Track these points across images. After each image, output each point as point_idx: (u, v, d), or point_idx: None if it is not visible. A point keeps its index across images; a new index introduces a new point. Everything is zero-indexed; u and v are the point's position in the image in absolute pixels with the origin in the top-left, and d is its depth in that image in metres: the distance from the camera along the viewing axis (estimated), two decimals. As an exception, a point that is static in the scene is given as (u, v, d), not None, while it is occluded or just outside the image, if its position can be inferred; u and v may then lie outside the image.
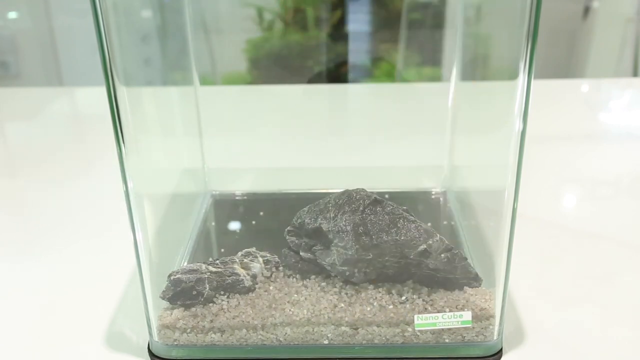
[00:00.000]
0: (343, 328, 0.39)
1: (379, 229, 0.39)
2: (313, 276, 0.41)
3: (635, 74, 1.76)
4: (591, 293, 0.48)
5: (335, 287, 0.40)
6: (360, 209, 0.39)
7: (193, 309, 0.40)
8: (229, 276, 0.40)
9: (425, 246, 0.38)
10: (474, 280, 0.41)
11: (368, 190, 0.41)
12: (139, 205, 0.38)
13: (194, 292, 0.40)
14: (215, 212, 0.57)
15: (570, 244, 0.55)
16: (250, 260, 0.42)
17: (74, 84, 1.62)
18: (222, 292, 0.40)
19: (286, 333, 0.40)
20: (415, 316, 0.39)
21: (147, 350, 0.42)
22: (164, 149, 0.50)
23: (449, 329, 0.39)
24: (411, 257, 0.39)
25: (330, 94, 0.88)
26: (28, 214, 0.64)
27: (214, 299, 0.40)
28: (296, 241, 0.41)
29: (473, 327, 0.39)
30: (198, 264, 0.41)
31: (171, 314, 0.40)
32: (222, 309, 0.40)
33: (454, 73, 0.55)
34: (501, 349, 0.41)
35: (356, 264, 0.39)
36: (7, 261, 0.54)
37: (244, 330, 0.40)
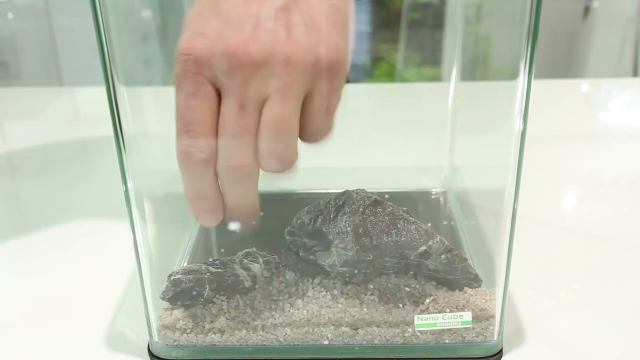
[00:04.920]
0: (343, 328, 0.39)
1: (379, 230, 0.39)
2: (313, 277, 0.41)
3: (635, 74, 1.77)
4: (591, 293, 0.48)
5: (336, 287, 0.40)
6: (361, 209, 0.39)
7: (193, 310, 0.40)
8: (229, 277, 0.40)
9: (425, 247, 0.38)
10: (474, 280, 0.41)
11: (368, 191, 0.41)
12: (139, 205, 0.38)
13: (194, 293, 0.40)
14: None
15: (570, 244, 0.55)
16: (251, 261, 0.42)
17: (74, 84, 1.62)
18: (222, 293, 0.40)
19: (286, 333, 0.40)
20: (416, 316, 0.39)
21: (147, 350, 0.42)
22: (164, 149, 0.50)
23: (449, 330, 0.39)
24: (411, 258, 0.39)
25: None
26: (28, 213, 0.63)
27: (214, 300, 0.40)
28: (296, 242, 0.41)
29: (473, 328, 0.39)
30: (198, 264, 0.41)
31: (171, 314, 0.40)
32: (222, 309, 0.40)
33: (454, 73, 0.55)
34: (501, 349, 0.41)
35: (356, 264, 0.39)
36: (7, 261, 0.54)
37: (244, 331, 0.39)
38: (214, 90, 0.33)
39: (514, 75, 0.35)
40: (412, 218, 0.40)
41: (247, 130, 0.33)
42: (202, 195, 0.36)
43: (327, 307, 0.40)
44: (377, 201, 0.40)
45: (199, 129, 0.33)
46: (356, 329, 0.39)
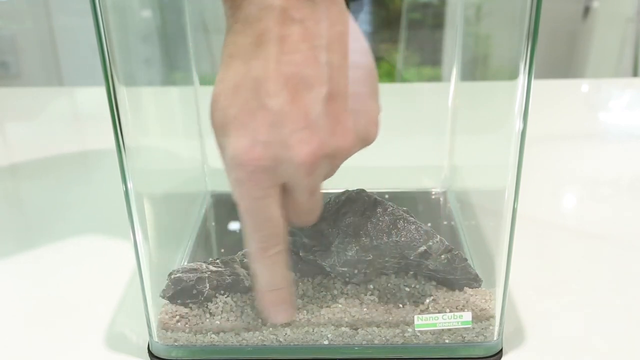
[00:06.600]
0: (343, 328, 0.39)
1: (379, 230, 0.39)
2: (313, 277, 0.41)
3: (635, 74, 1.77)
4: (591, 293, 0.48)
5: (336, 287, 0.40)
6: (361, 210, 0.39)
7: (193, 309, 0.40)
8: (229, 276, 0.40)
9: (425, 247, 0.38)
10: (474, 280, 0.41)
11: (368, 191, 0.41)
12: (139, 205, 0.38)
13: (194, 291, 0.40)
14: (215, 212, 0.57)
15: (570, 244, 0.55)
16: (250, 261, 0.42)
17: (74, 84, 1.62)
18: (222, 292, 0.40)
19: (286, 333, 0.40)
20: (416, 317, 0.39)
21: (147, 350, 0.42)
22: (163, 149, 0.50)
23: (449, 330, 0.39)
24: (411, 258, 0.39)
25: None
26: (28, 213, 0.64)
27: (214, 299, 0.40)
28: (296, 242, 0.41)
29: (473, 328, 0.39)
30: (198, 263, 0.41)
31: (171, 314, 0.40)
32: (222, 309, 0.40)
33: (454, 73, 0.55)
34: (501, 349, 0.41)
35: (356, 265, 0.39)
36: (7, 261, 0.54)
37: (244, 331, 0.39)
38: (279, 186, 0.34)
39: (514, 75, 0.35)
40: (412, 218, 0.40)
41: (318, 206, 0.36)
42: (278, 285, 0.37)
43: (327, 307, 0.40)
44: (377, 201, 0.40)
45: (271, 225, 0.35)
46: (356, 329, 0.39)
